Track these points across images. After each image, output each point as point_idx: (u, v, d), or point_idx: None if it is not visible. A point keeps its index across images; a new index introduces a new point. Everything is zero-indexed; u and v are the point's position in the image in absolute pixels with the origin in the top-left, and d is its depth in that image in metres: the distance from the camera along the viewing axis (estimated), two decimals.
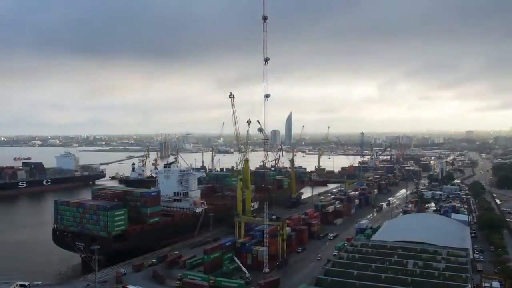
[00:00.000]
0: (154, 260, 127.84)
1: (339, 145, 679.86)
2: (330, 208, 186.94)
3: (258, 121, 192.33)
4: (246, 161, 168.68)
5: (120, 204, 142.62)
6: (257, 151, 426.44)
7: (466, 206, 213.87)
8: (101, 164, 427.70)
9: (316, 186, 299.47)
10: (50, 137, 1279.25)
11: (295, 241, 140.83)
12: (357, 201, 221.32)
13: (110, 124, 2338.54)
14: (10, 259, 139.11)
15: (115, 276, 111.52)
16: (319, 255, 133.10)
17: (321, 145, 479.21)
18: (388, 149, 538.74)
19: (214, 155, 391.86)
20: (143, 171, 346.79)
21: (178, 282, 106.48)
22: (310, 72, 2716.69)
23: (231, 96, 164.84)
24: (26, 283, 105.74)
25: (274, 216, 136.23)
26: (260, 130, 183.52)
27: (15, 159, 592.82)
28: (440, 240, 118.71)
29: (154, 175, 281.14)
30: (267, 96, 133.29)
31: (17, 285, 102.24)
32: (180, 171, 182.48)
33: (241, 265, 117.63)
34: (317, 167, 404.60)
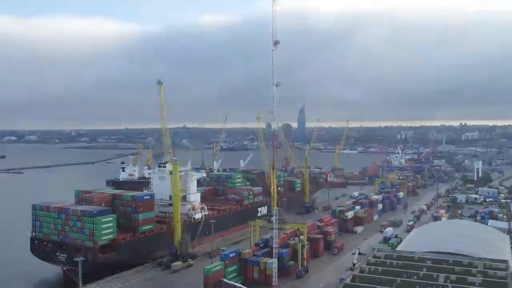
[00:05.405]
0: None
1: (359, 141, 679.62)
2: (349, 214, 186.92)
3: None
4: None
5: (108, 209, 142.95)
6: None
7: (506, 212, 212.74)
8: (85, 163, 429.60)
9: (333, 188, 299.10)
10: (28, 132, 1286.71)
11: (309, 253, 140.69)
12: (380, 205, 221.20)
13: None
14: None
15: None
16: None
17: (339, 141, 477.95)
18: (416, 145, 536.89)
19: (216, 153, 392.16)
20: (134, 171, 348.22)
21: None
22: None
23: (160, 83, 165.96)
24: None
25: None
26: (269, 124, 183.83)
27: None
28: (475, 250, 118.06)
29: (147, 176, 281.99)
30: (277, 84, 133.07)
31: None
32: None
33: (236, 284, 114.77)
34: (334, 167, 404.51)
